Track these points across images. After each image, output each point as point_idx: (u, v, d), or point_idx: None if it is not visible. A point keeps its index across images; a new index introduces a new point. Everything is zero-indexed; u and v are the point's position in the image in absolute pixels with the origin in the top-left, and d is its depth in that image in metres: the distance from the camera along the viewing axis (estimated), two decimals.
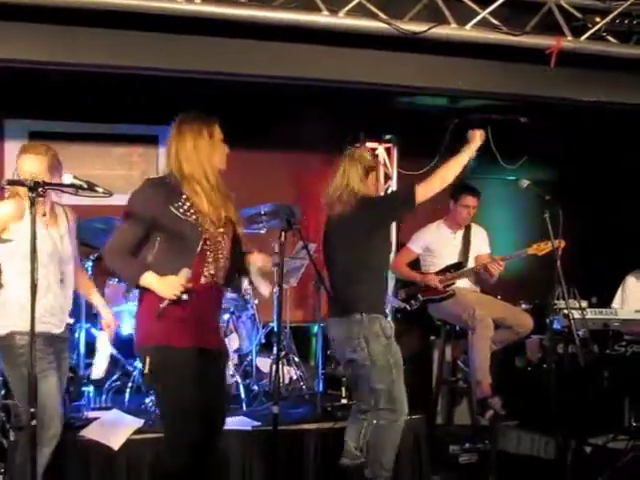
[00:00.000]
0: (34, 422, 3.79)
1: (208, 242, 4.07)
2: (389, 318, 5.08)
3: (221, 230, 4.13)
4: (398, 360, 4.93)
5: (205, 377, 4.06)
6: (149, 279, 3.99)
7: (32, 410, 3.77)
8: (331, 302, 5.10)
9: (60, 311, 4.63)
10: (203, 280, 4.07)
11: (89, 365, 6.30)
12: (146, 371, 4.06)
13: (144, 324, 4.12)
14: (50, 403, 4.36)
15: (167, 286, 3.96)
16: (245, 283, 6.41)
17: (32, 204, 3.78)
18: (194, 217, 4.02)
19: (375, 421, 4.92)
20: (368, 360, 4.86)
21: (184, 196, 4.04)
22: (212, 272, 4.10)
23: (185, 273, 3.94)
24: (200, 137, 4.09)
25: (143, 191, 4.11)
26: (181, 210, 4.02)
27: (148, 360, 4.03)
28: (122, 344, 6.41)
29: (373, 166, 5.16)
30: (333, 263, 5.15)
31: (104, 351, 5.01)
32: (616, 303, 6.96)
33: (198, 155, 4.07)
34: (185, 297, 3.96)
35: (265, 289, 4.39)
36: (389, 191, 4.93)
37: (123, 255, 4.07)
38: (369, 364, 4.87)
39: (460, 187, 6.86)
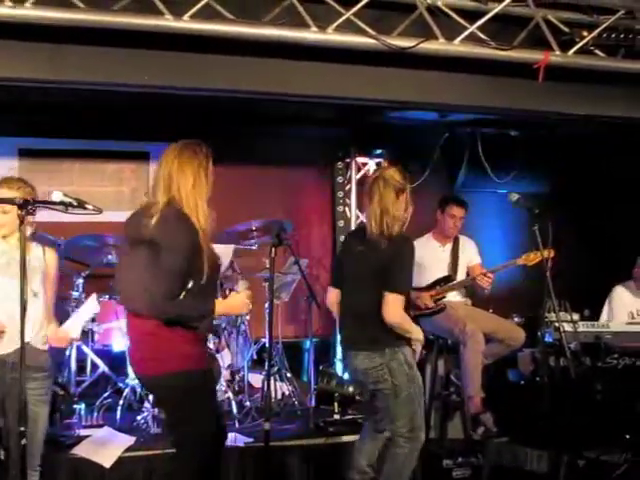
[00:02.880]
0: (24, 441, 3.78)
1: (215, 278, 4.15)
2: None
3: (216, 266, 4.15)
4: (420, 388, 4.89)
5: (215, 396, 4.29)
6: (222, 305, 4.09)
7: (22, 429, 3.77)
8: (354, 333, 4.98)
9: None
10: None
11: (80, 383, 6.30)
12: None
13: (160, 355, 4.00)
14: None
15: (242, 304, 4.11)
16: None
17: (21, 222, 3.78)
18: (206, 254, 3.97)
19: (394, 449, 4.87)
20: (392, 390, 4.80)
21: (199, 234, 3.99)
22: None
23: (243, 284, 4.05)
24: (199, 175, 4.01)
25: (183, 225, 3.95)
26: (200, 248, 3.96)
27: (172, 385, 3.98)
28: (113, 361, 6.42)
29: (403, 187, 4.90)
30: (360, 291, 4.92)
31: (84, 315, 4.69)
32: (603, 317, 6.97)
33: (195, 193, 3.99)
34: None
35: None
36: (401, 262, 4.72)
37: (175, 299, 3.92)
38: (393, 394, 4.81)
39: (447, 197, 6.88)
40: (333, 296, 5.13)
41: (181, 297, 3.89)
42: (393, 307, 4.68)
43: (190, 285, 3.91)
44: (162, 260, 3.84)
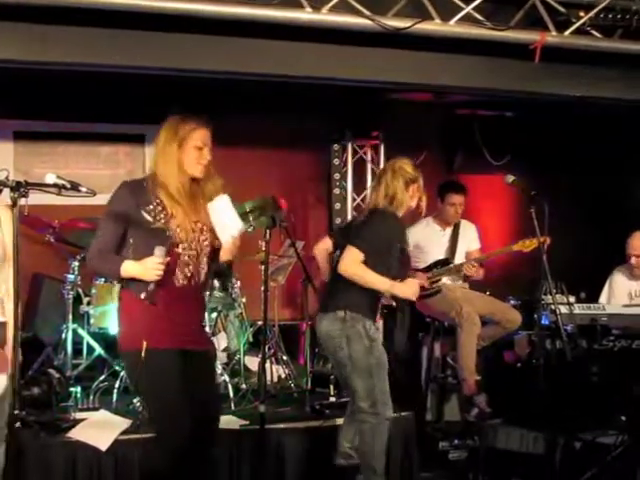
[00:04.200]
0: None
1: (180, 246, 4.04)
2: (378, 324, 5.00)
3: (195, 235, 4.08)
4: (381, 363, 4.87)
5: (191, 379, 4.04)
6: (129, 267, 3.99)
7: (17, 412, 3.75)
8: (320, 296, 5.08)
9: None
10: (178, 283, 4.05)
11: (76, 366, 6.29)
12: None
13: (122, 328, 4.13)
14: None
15: (147, 269, 3.93)
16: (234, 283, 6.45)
17: (14, 204, 3.75)
18: (163, 221, 4.00)
19: (360, 425, 4.90)
20: (349, 361, 4.84)
21: (157, 200, 4.04)
22: (188, 275, 4.07)
23: (159, 251, 3.92)
24: (171, 142, 4.07)
25: (118, 192, 4.11)
26: (152, 214, 4.01)
27: (129, 363, 4.06)
28: (109, 344, 6.40)
29: (414, 178, 5.00)
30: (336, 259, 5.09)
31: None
32: (603, 298, 6.98)
33: (165, 160, 4.07)
34: (152, 286, 3.95)
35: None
36: (374, 227, 4.80)
37: (102, 254, 4.07)
38: (350, 365, 4.85)
39: (445, 186, 6.86)
40: (323, 243, 5.33)
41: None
42: (347, 259, 4.76)
43: (131, 241, 4.03)
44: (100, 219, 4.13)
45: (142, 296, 3.97)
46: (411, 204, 5.03)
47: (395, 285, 4.85)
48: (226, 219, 4.06)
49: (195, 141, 4.09)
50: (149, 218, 4.00)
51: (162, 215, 4.02)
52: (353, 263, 4.78)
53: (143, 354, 3.92)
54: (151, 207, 4.02)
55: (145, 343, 3.92)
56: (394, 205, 4.91)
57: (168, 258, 3.95)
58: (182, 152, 4.07)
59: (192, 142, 4.09)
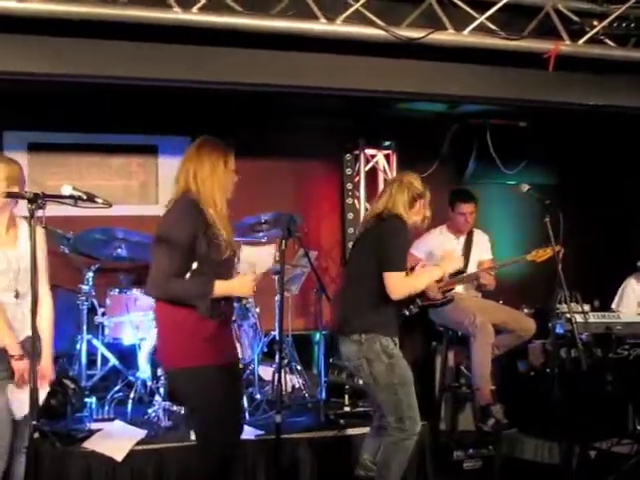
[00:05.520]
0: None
1: (227, 263, 4.16)
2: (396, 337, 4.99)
3: (233, 253, 4.19)
4: (404, 378, 4.86)
5: (236, 391, 4.32)
6: (222, 287, 4.07)
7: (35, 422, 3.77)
8: (334, 314, 5.10)
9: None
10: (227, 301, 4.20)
11: (90, 377, 6.31)
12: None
13: (176, 345, 4.14)
14: None
15: (244, 285, 4.12)
16: None
17: (31, 216, 3.76)
18: (220, 239, 4.07)
19: (385, 437, 4.90)
20: (371, 380, 4.85)
21: (211, 220, 4.09)
22: None
23: (249, 267, 4.07)
24: (217, 164, 4.16)
25: (187, 213, 4.09)
26: (214, 236, 4.07)
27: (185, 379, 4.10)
28: (124, 355, 6.42)
29: (421, 194, 5.01)
30: (346, 278, 5.16)
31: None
32: (614, 304, 6.97)
33: (213, 181, 4.13)
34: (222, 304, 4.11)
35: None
36: (392, 241, 4.82)
37: (178, 278, 4.04)
38: (372, 383, 4.86)
39: (454, 195, 6.85)
40: None
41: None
42: (392, 286, 4.77)
43: (195, 266, 4.04)
44: (162, 240, 4.03)
45: (210, 314, 4.04)
46: (416, 219, 5.04)
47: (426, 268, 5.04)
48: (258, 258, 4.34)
49: (233, 164, 4.23)
50: (212, 237, 4.06)
51: (216, 234, 4.08)
52: (401, 286, 4.82)
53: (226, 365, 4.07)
54: (211, 230, 4.07)
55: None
56: (387, 215, 4.91)
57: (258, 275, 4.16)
58: (226, 174, 4.18)
59: (231, 164, 4.22)
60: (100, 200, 4.02)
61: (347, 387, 6.32)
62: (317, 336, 7.23)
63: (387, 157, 8.35)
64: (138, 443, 5.29)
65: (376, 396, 4.90)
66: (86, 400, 5.85)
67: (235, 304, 6.10)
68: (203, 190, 4.11)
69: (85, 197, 3.98)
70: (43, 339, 4.29)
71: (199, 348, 4.04)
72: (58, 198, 4.03)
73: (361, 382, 5.14)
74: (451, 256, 5.02)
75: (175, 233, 4.02)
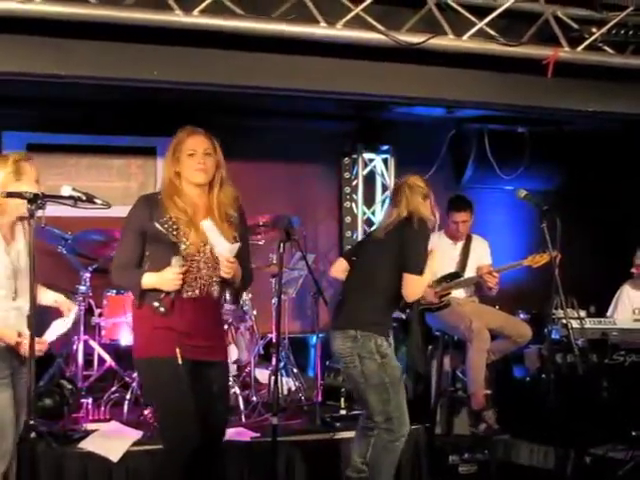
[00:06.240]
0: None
1: (194, 257, 4.07)
2: (390, 338, 5.01)
3: (207, 247, 4.10)
4: (395, 379, 4.87)
5: (202, 389, 4.08)
6: (148, 279, 4.05)
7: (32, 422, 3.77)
8: (332, 312, 5.10)
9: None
10: (186, 295, 4.08)
11: (87, 377, 6.31)
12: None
13: (134, 337, 4.27)
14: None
15: (165, 279, 4.01)
16: (244, 296, 6.47)
17: (31, 216, 3.78)
18: (174, 233, 4.05)
19: (373, 440, 4.90)
20: (362, 378, 4.85)
21: (169, 214, 4.08)
22: (199, 287, 4.10)
23: (176, 261, 3.98)
24: (168, 155, 4.18)
25: (134, 206, 4.19)
26: (165, 225, 4.06)
27: (139, 371, 4.23)
28: (120, 355, 6.42)
29: (427, 193, 5.04)
30: (353, 275, 5.15)
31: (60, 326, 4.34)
32: (609, 312, 6.99)
33: (164, 172, 4.21)
34: (164, 296, 4.04)
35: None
36: (417, 245, 4.85)
37: (125, 269, 4.13)
38: (363, 382, 4.86)
39: (449, 202, 6.85)
40: (339, 264, 5.33)
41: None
42: (410, 289, 4.82)
43: (147, 254, 4.11)
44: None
45: (155, 305, 4.04)
46: (433, 220, 5.06)
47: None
48: (213, 240, 4.10)
49: (188, 149, 4.14)
50: (163, 230, 4.04)
51: (174, 227, 4.06)
52: (419, 290, 4.90)
53: (179, 360, 3.98)
54: (165, 219, 4.06)
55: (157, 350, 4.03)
56: (415, 218, 4.91)
57: (185, 268, 4.00)
58: (179, 163, 4.14)
59: (185, 150, 4.14)
60: (99, 201, 4.04)
61: (343, 390, 6.32)
62: (314, 339, 7.25)
63: (385, 161, 8.37)
64: (134, 444, 5.29)
65: (365, 395, 4.88)
66: (82, 401, 5.85)
67: (231, 306, 6.11)
68: (162, 182, 4.21)
69: (84, 198, 4.00)
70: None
71: (148, 340, 4.07)
72: (58, 198, 4.05)
73: (349, 381, 5.10)
74: (432, 255, 5.03)
75: (123, 228, 4.20)
